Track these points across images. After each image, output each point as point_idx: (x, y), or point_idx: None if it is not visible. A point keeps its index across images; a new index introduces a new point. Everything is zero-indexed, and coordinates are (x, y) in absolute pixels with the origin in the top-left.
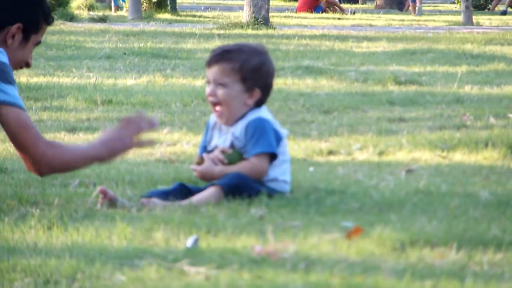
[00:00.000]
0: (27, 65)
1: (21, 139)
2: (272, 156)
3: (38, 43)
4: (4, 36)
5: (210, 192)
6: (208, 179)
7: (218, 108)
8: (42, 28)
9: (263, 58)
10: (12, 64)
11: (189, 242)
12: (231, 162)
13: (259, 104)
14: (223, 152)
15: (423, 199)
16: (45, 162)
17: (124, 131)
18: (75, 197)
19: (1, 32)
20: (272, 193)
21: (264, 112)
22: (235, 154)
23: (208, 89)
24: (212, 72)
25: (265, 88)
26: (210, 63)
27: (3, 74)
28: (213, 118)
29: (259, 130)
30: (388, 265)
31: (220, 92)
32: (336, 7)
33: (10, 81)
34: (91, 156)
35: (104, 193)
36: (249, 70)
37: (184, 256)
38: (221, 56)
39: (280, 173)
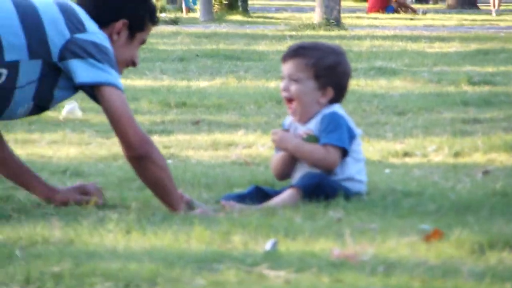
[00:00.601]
0: (134, 64)
1: (119, 119)
2: (343, 153)
3: (143, 42)
4: (110, 32)
5: (288, 194)
6: (281, 146)
7: (291, 105)
8: (147, 26)
9: (339, 57)
10: (119, 62)
11: (268, 245)
12: (308, 141)
13: (332, 104)
14: (306, 133)
15: (500, 200)
16: (138, 143)
17: None
18: (153, 200)
19: (107, 28)
20: (348, 194)
21: (338, 109)
22: (314, 137)
23: (282, 84)
24: (287, 67)
25: (339, 88)
26: (286, 58)
27: (107, 58)
28: (288, 119)
29: (334, 123)
30: (467, 267)
31: (293, 87)
32: (407, 7)
33: (113, 65)
34: (173, 185)
35: (180, 197)
36: (323, 68)
37: (263, 260)
38: (296, 51)
39: (356, 172)
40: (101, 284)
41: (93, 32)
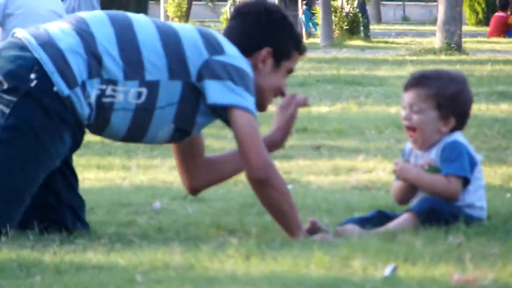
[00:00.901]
0: (282, 93)
1: (244, 141)
2: (465, 181)
3: (290, 71)
4: (255, 61)
5: (403, 218)
6: (402, 177)
7: (412, 133)
8: (293, 55)
9: (460, 86)
10: (266, 91)
11: (387, 270)
12: (429, 171)
13: (453, 131)
14: (428, 164)
15: None
16: (260, 166)
17: None
18: (272, 226)
19: (252, 56)
20: (469, 219)
21: (459, 136)
22: (435, 168)
23: (403, 113)
24: (408, 96)
25: (461, 117)
26: (407, 87)
27: (243, 82)
28: (408, 145)
29: (455, 152)
30: None
31: (415, 117)
32: None
33: (249, 89)
34: (293, 210)
35: (313, 224)
36: (445, 98)
37: (382, 285)
38: (418, 80)
39: (476, 199)
40: None
41: (232, 55)
